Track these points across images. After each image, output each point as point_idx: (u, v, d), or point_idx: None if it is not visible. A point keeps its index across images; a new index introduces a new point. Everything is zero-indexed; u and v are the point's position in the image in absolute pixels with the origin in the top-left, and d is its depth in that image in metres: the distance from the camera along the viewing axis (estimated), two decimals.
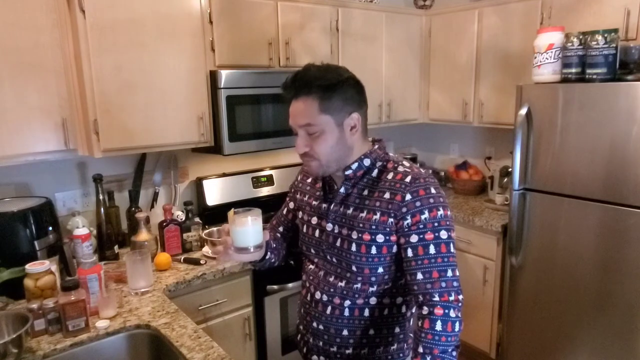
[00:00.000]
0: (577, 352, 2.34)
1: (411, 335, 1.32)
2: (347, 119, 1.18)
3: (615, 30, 2.05)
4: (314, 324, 1.30)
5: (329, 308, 1.26)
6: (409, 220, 1.13)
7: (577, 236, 2.26)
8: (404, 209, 1.14)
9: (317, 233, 1.30)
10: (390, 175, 1.19)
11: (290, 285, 2.26)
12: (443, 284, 1.12)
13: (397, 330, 1.27)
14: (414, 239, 1.13)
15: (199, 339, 1.47)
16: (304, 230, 1.35)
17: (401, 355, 1.30)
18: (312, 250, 1.33)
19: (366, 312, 1.24)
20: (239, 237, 1.14)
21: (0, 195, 2.01)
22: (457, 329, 1.11)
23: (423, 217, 1.13)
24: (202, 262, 2.10)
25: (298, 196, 1.42)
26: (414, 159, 3.52)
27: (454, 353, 1.11)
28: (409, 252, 1.14)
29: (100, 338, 1.53)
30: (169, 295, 1.87)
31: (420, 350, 1.10)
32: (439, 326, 1.10)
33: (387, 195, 1.16)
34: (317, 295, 1.29)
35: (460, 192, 3.33)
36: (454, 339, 1.11)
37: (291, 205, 1.48)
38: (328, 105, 1.15)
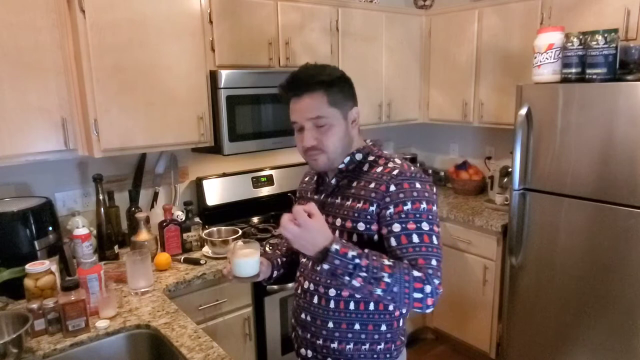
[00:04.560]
0: (577, 352, 2.34)
1: (401, 338, 1.32)
2: (349, 112, 1.25)
3: (615, 30, 2.05)
4: (302, 315, 1.33)
5: (315, 297, 1.29)
6: (391, 210, 1.16)
7: (577, 236, 2.26)
8: (387, 199, 1.16)
9: None
10: (379, 169, 1.24)
11: (290, 285, 2.26)
12: (430, 271, 1.11)
13: (383, 328, 1.27)
14: (396, 228, 1.15)
15: (199, 339, 1.47)
16: None
17: (388, 356, 1.29)
18: None
19: (351, 305, 1.25)
20: (236, 267, 1.27)
21: (0, 195, 2.01)
22: (417, 296, 1.09)
23: (405, 207, 1.15)
24: (202, 262, 2.10)
25: (301, 195, 1.46)
26: (414, 159, 3.52)
27: (379, 291, 1.08)
28: (392, 242, 1.15)
29: (100, 338, 1.53)
30: (169, 295, 1.87)
31: (389, 262, 1.09)
32: (416, 274, 1.09)
33: (372, 185, 1.20)
34: (306, 284, 1.33)
35: (460, 192, 3.33)
36: (407, 291, 1.08)
37: None
38: (335, 99, 1.21)
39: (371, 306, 1.25)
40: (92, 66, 1.90)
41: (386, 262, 1.10)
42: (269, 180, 2.79)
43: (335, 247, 1.08)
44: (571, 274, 2.31)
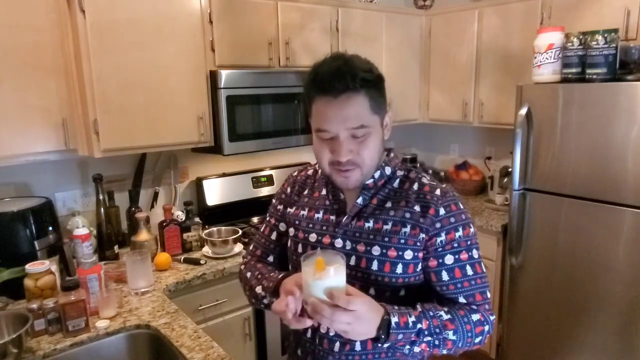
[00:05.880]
0: (577, 352, 2.34)
1: None
2: (385, 117, 1.06)
3: (615, 30, 2.05)
4: None
5: (337, 344, 1.08)
6: (443, 238, 1.03)
7: (577, 236, 2.26)
8: (438, 225, 1.03)
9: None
10: (415, 186, 1.08)
11: None
12: (487, 307, 1.05)
13: None
14: (449, 260, 1.03)
15: (199, 339, 1.47)
16: (300, 249, 1.14)
17: None
18: None
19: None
20: (317, 288, 0.91)
21: (0, 195, 2.01)
22: (477, 340, 1.03)
23: (457, 234, 1.04)
24: (202, 262, 2.10)
25: (292, 210, 1.20)
26: (414, 159, 3.52)
27: (445, 351, 1.01)
28: (445, 276, 1.04)
29: (100, 338, 1.53)
30: (169, 295, 1.87)
31: (447, 315, 0.99)
32: (475, 318, 1.02)
33: (417, 208, 1.05)
34: (323, 329, 1.09)
35: (460, 192, 3.32)
36: (470, 340, 1.01)
37: (282, 227, 1.23)
38: (376, 104, 1.01)
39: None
40: (92, 66, 1.90)
41: (444, 315, 0.98)
42: (269, 180, 2.79)
43: (394, 319, 0.92)
44: (571, 274, 2.31)
